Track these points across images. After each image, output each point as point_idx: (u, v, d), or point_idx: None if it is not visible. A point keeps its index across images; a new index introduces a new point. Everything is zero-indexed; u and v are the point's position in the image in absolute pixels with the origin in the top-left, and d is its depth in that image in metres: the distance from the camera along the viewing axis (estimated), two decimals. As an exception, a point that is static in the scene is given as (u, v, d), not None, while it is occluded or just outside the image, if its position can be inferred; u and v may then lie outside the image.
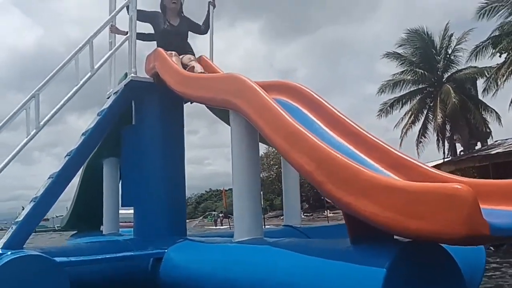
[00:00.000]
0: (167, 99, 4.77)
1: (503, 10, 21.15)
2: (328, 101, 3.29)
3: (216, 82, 3.81)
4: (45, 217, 8.60)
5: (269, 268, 2.64)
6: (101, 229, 6.75)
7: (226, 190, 30.62)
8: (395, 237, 2.25)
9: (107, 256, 3.95)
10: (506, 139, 25.25)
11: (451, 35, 27.52)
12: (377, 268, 2.00)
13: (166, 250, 4.04)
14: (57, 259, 3.68)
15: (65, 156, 4.58)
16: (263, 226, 4.28)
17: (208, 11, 5.23)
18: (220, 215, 36.78)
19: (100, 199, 6.32)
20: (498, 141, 25.91)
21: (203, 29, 5.24)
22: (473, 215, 1.72)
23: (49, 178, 4.45)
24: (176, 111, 4.99)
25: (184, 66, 4.65)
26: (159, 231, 4.60)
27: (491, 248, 7.10)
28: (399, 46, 28.27)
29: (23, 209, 4.47)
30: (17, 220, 4.29)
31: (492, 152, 22.40)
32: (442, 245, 2.29)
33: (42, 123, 4.31)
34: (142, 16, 4.94)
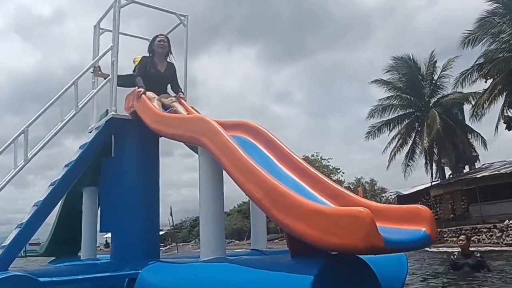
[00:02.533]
0: (144, 134, 5.28)
1: (485, 39, 22.37)
2: (280, 139, 3.90)
3: (186, 122, 4.39)
4: (36, 242, 8.74)
5: (226, 282, 3.16)
6: (78, 255, 7.10)
7: None
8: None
9: (87, 276, 4.38)
10: (493, 163, 25.92)
11: (435, 61, 28.43)
12: (306, 276, 2.55)
13: (140, 271, 4.49)
14: (41, 279, 4.09)
15: (49, 186, 5.04)
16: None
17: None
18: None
19: (78, 226, 6.67)
20: (486, 165, 26.52)
21: (175, 89, 5.59)
22: (370, 232, 2.31)
23: (33, 205, 4.88)
24: (152, 145, 5.50)
25: (165, 106, 5.16)
26: (134, 255, 5.02)
27: (451, 270, 7.66)
28: (387, 72, 29.08)
29: None
30: (3, 244, 4.68)
31: (478, 176, 22.97)
32: (363, 257, 2.87)
33: (29, 156, 4.78)
34: (141, 72, 5.38)
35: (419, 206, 2.85)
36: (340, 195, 3.20)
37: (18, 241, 4.61)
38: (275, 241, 29.52)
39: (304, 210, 2.66)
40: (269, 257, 3.36)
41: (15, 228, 4.76)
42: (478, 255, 7.65)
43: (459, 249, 7.72)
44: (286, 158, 3.72)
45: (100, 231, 5.63)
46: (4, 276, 3.96)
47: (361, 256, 2.87)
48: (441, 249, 17.67)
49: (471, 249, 7.96)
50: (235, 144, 3.46)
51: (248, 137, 4.12)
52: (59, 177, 4.98)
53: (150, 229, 5.31)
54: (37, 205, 4.81)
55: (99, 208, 6.24)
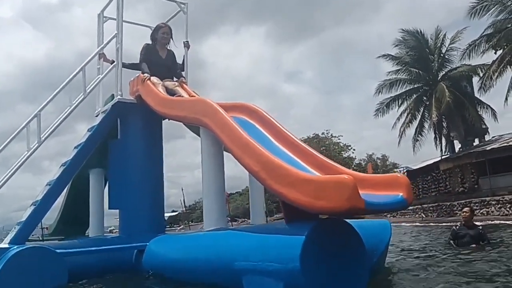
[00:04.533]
0: (148, 117, 5.62)
1: (493, 9, 21.84)
2: (275, 119, 4.24)
3: (188, 104, 4.72)
4: (47, 226, 9.10)
5: (226, 245, 3.52)
6: (86, 234, 7.47)
7: (229, 195, 30.18)
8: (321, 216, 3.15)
9: (100, 248, 4.76)
10: (502, 135, 25.32)
11: (444, 34, 27.67)
12: (299, 236, 2.90)
13: (147, 244, 4.85)
14: (58, 250, 4.46)
15: (60, 166, 5.38)
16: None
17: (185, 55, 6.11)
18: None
19: (85, 207, 7.02)
20: (495, 137, 25.87)
21: (178, 71, 6.01)
22: (352, 195, 2.65)
23: (47, 185, 5.23)
24: (155, 127, 5.85)
25: (169, 91, 5.49)
26: (141, 230, 5.39)
27: (451, 240, 7.91)
28: (395, 46, 28.35)
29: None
30: (19, 221, 5.03)
31: (488, 148, 22.52)
32: (351, 222, 3.22)
33: (43, 137, 5.11)
34: (143, 59, 5.78)
35: (397, 174, 3.19)
36: (328, 167, 3.56)
37: (33, 217, 4.96)
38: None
39: (296, 179, 3.00)
40: (266, 224, 3.71)
41: (30, 205, 5.10)
42: (481, 227, 7.89)
43: (462, 221, 7.97)
44: (281, 136, 4.06)
45: (109, 208, 5.97)
46: (25, 248, 4.33)
47: (349, 222, 3.22)
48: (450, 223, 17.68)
49: (477, 223, 8.21)
50: (234, 122, 3.79)
51: (246, 117, 4.45)
52: (70, 158, 5.32)
53: (155, 205, 5.67)
54: (49, 184, 5.16)
55: (106, 188, 6.59)
